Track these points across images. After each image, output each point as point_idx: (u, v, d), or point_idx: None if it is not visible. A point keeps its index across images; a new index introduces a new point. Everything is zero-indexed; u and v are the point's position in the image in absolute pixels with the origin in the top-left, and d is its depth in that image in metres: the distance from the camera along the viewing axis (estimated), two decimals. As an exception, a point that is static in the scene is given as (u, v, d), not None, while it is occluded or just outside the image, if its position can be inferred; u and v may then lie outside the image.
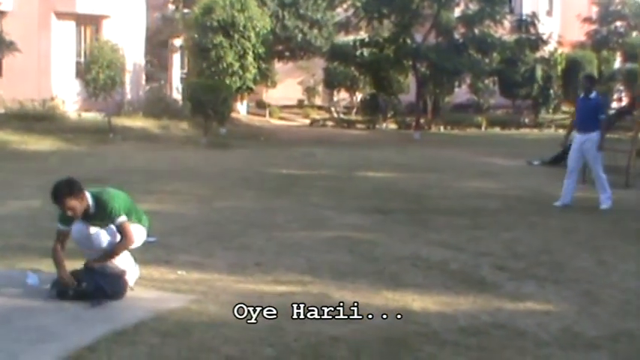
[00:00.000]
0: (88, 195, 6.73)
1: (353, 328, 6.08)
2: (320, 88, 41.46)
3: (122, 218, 6.77)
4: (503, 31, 33.34)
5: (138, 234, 7.07)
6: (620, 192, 15.10)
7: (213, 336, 5.72)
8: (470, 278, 7.93)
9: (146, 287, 7.00)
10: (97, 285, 6.57)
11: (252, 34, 26.32)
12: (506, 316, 6.62)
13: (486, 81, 38.20)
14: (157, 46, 31.83)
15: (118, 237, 6.84)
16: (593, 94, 13.42)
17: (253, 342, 5.65)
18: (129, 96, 27.21)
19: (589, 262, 8.91)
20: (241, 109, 33.96)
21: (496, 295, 7.31)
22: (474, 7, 32.02)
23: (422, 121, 33.67)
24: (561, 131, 24.63)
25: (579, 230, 10.98)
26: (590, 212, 12.65)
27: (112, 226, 6.83)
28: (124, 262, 6.98)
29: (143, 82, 29.73)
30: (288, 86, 39.11)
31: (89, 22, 27.28)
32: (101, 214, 6.76)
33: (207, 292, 6.92)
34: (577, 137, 13.43)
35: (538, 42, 35.34)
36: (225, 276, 7.61)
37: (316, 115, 38.72)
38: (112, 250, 6.84)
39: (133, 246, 7.05)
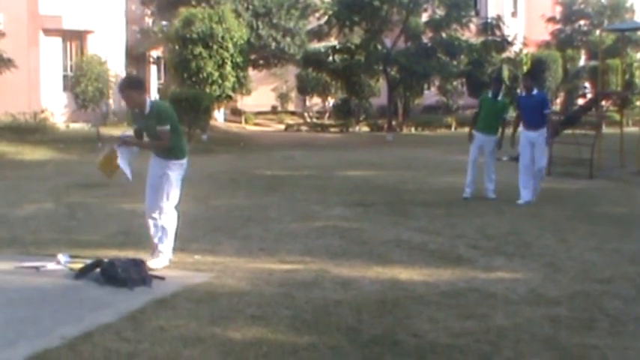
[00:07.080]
0: (147, 98, 8.11)
1: (352, 294, 7.17)
2: (293, 94, 42.37)
3: (166, 127, 8.05)
4: (469, 33, 34.21)
5: (180, 163, 8.48)
6: (584, 182, 16.49)
7: (237, 302, 6.79)
8: (447, 255, 9.05)
9: (170, 269, 8.04)
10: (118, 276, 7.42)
11: (230, 45, 27.03)
12: (480, 282, 7.73)
13: (455, 82, 39.23)
14: (135, 59, 32.57)
15: None
16: (535, 92, 14.03)
17: (271, 305, 6.72)
18: (113, 106, 28.03)
19: (552, 240, 10.07)
20: (218, 117, 34.73)
21: (471, 268, 8.42)
22: (440, 12, 32.93)
23: (393, 123, 34.61)
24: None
25: (544, 216, 12.13)
26: (554, 201, 13.74)
27: None
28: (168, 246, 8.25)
29: (124, 93, 30.39)
30: (261, 93, 39.91)
31: (75, 37, 27.99)
32: (153, 116, 8.06)
33: (224, 270, 8.00)
34: (526, 134, 13.77)
35: (504, 43, 36.18)
36: (236, 258, 8.67)
37: (290, 120, 39.65)
38: (147, 143, 8.36)
39: (181, 161, 8.43)
